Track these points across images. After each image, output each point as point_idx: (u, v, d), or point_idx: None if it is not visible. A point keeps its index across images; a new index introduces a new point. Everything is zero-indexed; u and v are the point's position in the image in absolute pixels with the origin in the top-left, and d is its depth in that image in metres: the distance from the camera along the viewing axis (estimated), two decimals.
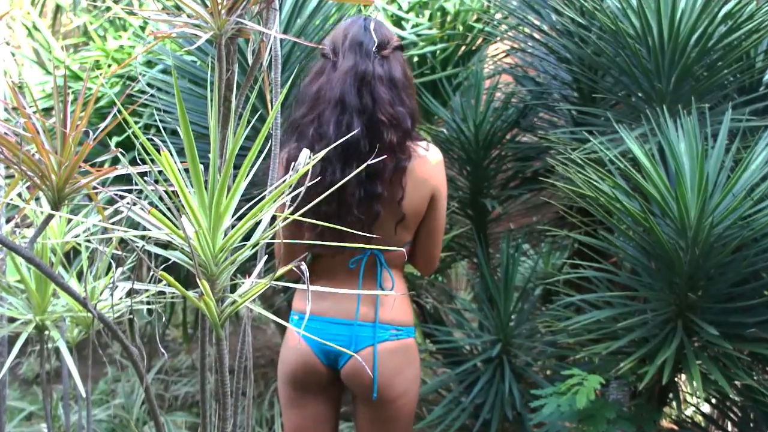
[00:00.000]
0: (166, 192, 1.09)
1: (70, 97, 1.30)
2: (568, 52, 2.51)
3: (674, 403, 2.22)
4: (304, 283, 1.09)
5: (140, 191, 1.22)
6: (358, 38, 1.88)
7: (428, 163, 1.93)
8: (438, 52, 3.29)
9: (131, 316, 1.60)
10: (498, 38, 3.03)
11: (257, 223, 1.19)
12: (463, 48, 3.35)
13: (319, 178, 1.76)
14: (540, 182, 2.67)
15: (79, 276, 1.81)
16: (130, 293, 1.62)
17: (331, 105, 1.85)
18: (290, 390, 2.04)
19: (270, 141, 1.47)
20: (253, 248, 1.18)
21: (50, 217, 1.26)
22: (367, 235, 1.64)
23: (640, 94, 2.24)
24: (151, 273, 1.22)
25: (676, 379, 2.13)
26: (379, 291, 1.96)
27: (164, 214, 1.11)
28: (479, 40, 3.33)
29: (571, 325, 2.06)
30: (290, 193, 1.15)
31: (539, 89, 2.81)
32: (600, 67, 2.40)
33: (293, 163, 1.22)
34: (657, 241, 1.84)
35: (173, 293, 1.45)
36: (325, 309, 1.96)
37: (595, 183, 1.90)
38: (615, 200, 1.86)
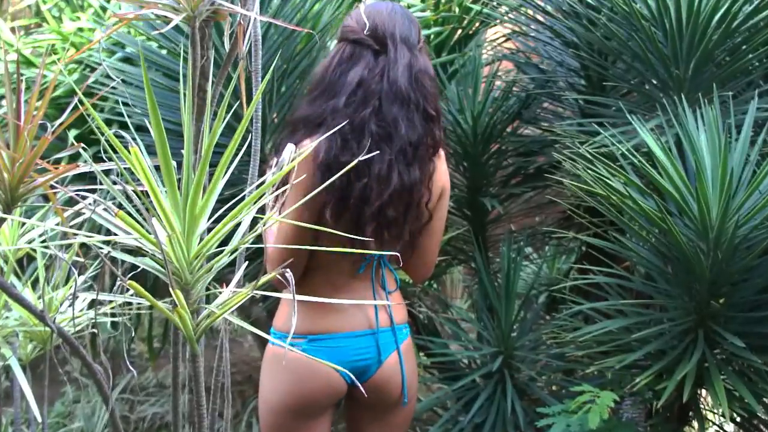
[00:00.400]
0: (134, 191, 1.07)
1: (23, 86, 1.28)
2: (576, 36, 2.50)
3: (695, 422, 2.22)
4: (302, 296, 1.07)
5: (104, 191, 1.20)
6: (406, 30, 1.91)
7: (443, 164, 2.01)
8: (432, 36, 3.28)
9: (94, 330, 1.58)
10: (498, 21, 3.02)
11: (236, 227, 1.18)
12: (460, 32, 3.35)
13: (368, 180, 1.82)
14: (544, 179, 2.66)
15: (34, 285, 1.79)
16: (93, 304, 1.60)
17: (398, 101, 1.87)
18: (291, 420, 1.99)
19: (250, 135, 1.46)
20: (231, 254, 1.16)
21: (1, 220, 1.24)
22: (360, 238, 1.65)
23: (655, 82, 2.24)
24: (117, 282, 1.20)
25: (697, 395, 2.13)
26: (389, 301, 2.03)
27: (132, 217, 1.09)
28: (477, 24, 3.33)
29: (580, 336, 2.06)
30: (283, 191, 1.13)
31: (543, 77, 2.81)
32: (611, 52, 2.40)
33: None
34: (675, 243, 1.84)
35: (140, 304, 1.43)
36: (340, 323, 1.97)
37: (605, 180, 1.90)
38: (628, 198, 1.86)
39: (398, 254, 1.86)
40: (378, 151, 1.82)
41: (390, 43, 1.89)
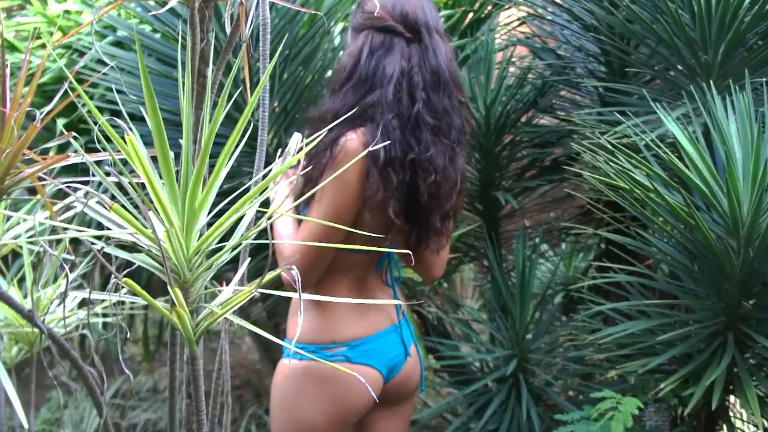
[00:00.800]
0: (130, 183, 1.06)
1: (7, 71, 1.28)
2: (596, 19, 2.49)
3: (724, 431, 2.21)
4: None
5: (96, 183, 1.19)
6: (435, 18, 1.97)
7: None
8: (442, 20, 3.26)
9: (84, 332, 1.57)
10: (512, 3, 3.01)
11: (237, 222, 1.17)
12: (471, 15, 3.34)
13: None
14: (561, 172, 2.66)
15: (20, 284, 1.78)
16: (84, 304, 1.59)
17: (445, 92, 1.92)
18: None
19: (251, 124, 1.44)
20: (233, 250, 1.15)
21: None
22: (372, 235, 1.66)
23: (681, 68, 2.23)
24: (112, 280, 1.19)
25: (726, 402, 2.12)
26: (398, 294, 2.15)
27: (128, 210, 1.08)
28: (490, 6, 3.32)
29: (599, 338, 2.05)
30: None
31: (561, 63, 2.80)
32: (634, 36, 2.39)
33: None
34: (703, 240, 1.83)
35: (134, 303, 1.43)
36: (372, 324, 2.01)
37: (627, 172, 1.89)
38: (652, 192, 1.85)
39: (410, 252, 1.89)
40: (440, 145, 1.89)
41: (425, 31, 1.91)
